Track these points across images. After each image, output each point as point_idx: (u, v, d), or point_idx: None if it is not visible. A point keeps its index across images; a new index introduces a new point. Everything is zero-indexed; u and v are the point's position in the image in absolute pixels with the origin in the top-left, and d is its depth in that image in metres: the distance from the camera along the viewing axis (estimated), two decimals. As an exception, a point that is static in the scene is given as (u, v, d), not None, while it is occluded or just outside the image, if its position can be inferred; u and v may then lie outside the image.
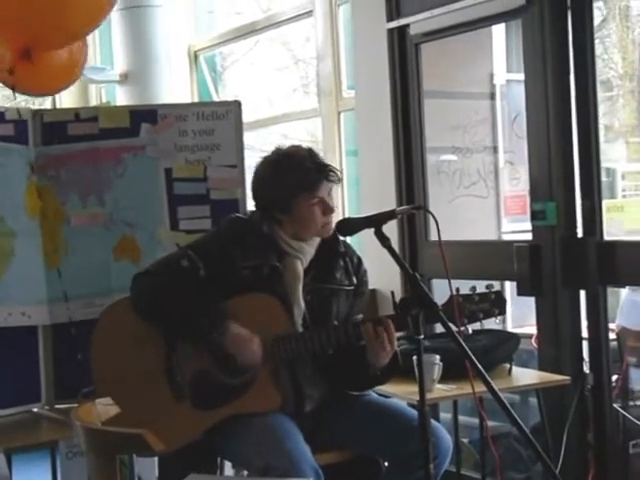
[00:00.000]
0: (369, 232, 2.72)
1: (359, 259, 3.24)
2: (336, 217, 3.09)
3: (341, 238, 3.19)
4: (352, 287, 3.19)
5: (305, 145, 3.17)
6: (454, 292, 2.88)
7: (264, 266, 3.05)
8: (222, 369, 3.02)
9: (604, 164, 4.48)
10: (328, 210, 3.05)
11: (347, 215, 5.65)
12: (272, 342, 2.98)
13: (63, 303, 3.79)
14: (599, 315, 4.16)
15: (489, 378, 2.44)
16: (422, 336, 2.65)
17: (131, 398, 3.00)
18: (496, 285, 3.16)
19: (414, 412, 3.05)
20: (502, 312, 3.01)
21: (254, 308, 3.01)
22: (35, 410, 3.77)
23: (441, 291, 2.90)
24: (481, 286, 3.00)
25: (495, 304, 2.97)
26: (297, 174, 3.04)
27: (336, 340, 2.98)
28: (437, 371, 3.59)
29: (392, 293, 2.92)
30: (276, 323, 3.00)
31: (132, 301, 3.08)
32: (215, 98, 7.28)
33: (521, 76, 4.48)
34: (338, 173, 3.09)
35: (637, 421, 4.36)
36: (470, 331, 2.98)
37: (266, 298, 3.02)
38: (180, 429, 2.95)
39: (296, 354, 3.01)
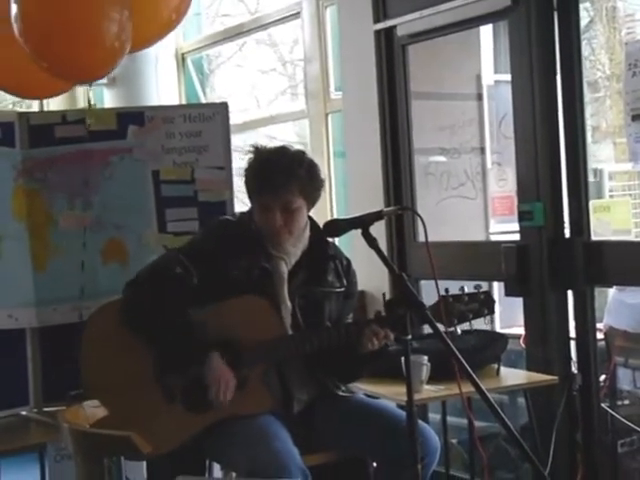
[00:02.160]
0: (358, 235, 2.72)
1: (348, 261, 3.26)
2: (323, 218, 3.09)
3: (330, 241, 3.20)
4: (343, 289, 3.20)
5: (291, 152, 3.11)
6: (444, 292, 2.89)
7: (254, 268, 3.05)
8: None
9: (591, 165, 4.48)
10: (270, 219, 3.03)
11: (334, 217, 5.64)
12: (265, 345, 2.98)
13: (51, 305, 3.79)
14: (587, 315, 4.17)
15: (477, 378, 2.44)
16: (410, 336, 2.65)
17: (121, 401, 2.99)
18: (484, 285, 3.18)
19: (402, 413, 3.07)
20: (491, 312, 3.02)
21: (245, 310, 3.02)
22: (23, 413, 3.77)
23: (430, 292, 2.90)
24: (469, 287, 3.01)
25: (484, 304, 2.99)
26: (248, 178, 3.11)
27: (327, 343, 2.99)
28: (425, 372, 3.59)
29: (383, 295, 2.93)
30: (267, 325, 3.01)
31: (123, 311, 3.06)
32: (203, 100, 7.27)
33: (509, 77, 4.48)
34: (289, 192, 3.01)
35: (625, 420, 4.36)
36: (459, 332, 2.99)
37: (257, 300, 3.02)
38: (171, 431, 2.95)
39: (288, 357, 3.01)
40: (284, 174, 3.00)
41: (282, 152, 3.11)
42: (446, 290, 2.91)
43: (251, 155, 3.12)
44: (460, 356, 2.46)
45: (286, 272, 3.09)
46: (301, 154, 3.12)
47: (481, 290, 2.99)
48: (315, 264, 3.16)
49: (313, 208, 3.16)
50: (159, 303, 3.01)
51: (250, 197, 3.13)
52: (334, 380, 3.19)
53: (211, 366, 2.94)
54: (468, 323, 3.00)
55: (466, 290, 2.96)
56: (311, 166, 3.09)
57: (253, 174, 3.09)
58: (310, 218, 3.16)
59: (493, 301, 3.00)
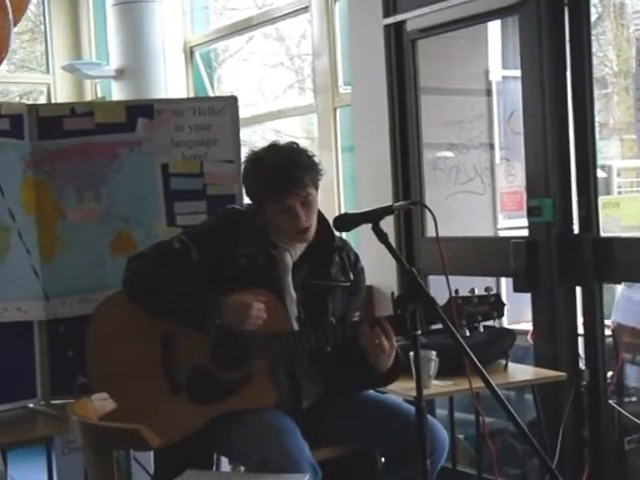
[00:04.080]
0: (367, 230, 2.71)
1: (356, 255, 3.23)
2: (332, 214, 3.08)
3: (336, 233, 3.18)
4: (348, 283, 3.16)
5: (288, 145, 3.09)
6: (453, 294, 2.87)
7: (260, 254, 3.04)
8: (219, 364, 3.01)
9: (599, 161, 4.47)
10: (294, 220, 3.00)
11: (343, 212, 5.64)
12: (269, 339, 2.97)
13: (59, 298, 3.78)
14: (595, 311, 4.17)
15: (486, 373, 2.44)
16: (420, 331, 2.65)
17: (127, 393, 2.98)
18: (492, 281, 3.17)
19: (410, 408, 3.06)
20: (500, 315, 2.99)
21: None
22: (30, 406, 3.76)
23: (438, 289, 2.90)
24: (477, 282, 3.00)
25: (494, 307, 2.95)
26: (262, 184, 3.04)
27: (333, 339, 2.97)
28: (433, 367, 3.58)
29: (392, 294, 2.91)
30: (274, 319, 3.00)
31: (125, 285, 3.06)
32: (211, 94, 7.28)
33: (517, 72, 4.48)
34: (307, 184, 2.98)
35: (632, 417, 4.36)
36: (468, 333, 2.97)
37: (264, 293, 3.01)
38: (177, 423, 2.95)
39: (293, 351, 3.00)
40: (296, 171, 2.97)
41: (282, 151, 3.05)
42: (456, 291, 2.89)
43: (251, 164, 3.08)
44: (470, 351, 2.46)
45: (290, 263, 3.08)
46: (295, 145, 3.09)
47: (491, 293, 2.97)
48: (320, 257, 3.14)
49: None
50: (160, 270, 3.01)
51: (262, 204, 3.05)
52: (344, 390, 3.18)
53: (228, 307, 2.91)
54: (477, 325, 2.98)
55: (476, 292, 2.95)
56: (309, 153, 3.07)
57: (264, 182, 3.02)
58: (317, 211, 3.14)
59: (503, 304, 2.97)
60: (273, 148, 3.09)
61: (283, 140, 3.16)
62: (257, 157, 3.08)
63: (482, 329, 2.98)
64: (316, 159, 3.08)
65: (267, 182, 3.01)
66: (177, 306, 2.98)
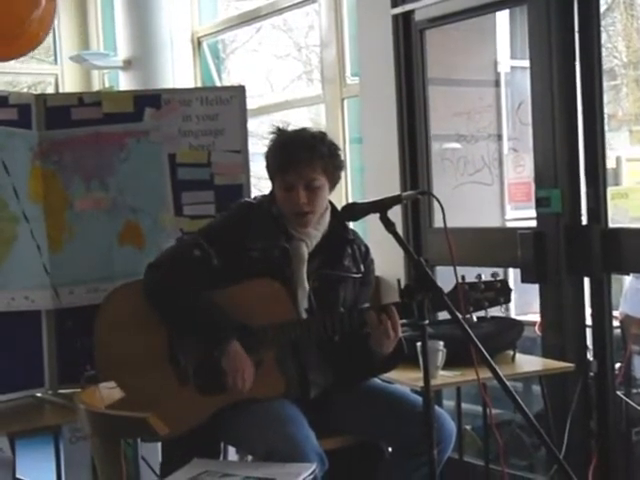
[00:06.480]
0: (374, 220, 2.71)
1: (366, 248, 3.24)
2: (339, 204, 3.08)
3: (350, 226, 3.19)
4: (359, 275, 3.18)
5: (315, 131, 3.14)
6: (460, 280, 2.87)
7: (274, 248, 3.05)
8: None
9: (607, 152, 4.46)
10: (294, 199, 3.02)
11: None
12: (277, 328, 2.97)
13: (67, 287, 3.79)
14: (603, 302, 4.16)
15: (494, 363, 2.43)
16: (427, 321, 2.64)
17: (135, 382, 3.00)
18: (500, 272, 3.17)
19: (417, 398, 3.07)
20: (507, 300, 3.00)
21: (259, 294, 3.01)
22: (38, 395, 3.77)
23: (445, 279, 2.89)
24: (485, 273, 3.00)
25: (501, 293, 2.97)
26: (270, 158, 3.11)
27: (340, 327, 2.97)
28: (441, 357, 3.58)
29: (398, 281, 2.91)
30: (280, 309, 3.00)
31: (145, 293, 3.06)
32: (218, 85, 7.26)
33: (525, 63, 4.46)
34: (314, 169, 3.01)
35: (640, 408, 4.36)
36: (475, 319, 2.97)
37: (271, 283, 3.01)
38: (185, 413, 2.95)
39: (301, 340, 3.00)
40: (307, 152, 3.01)
41: (304, 131, 3.13)
42: (462, 277, 2.89)
43: (273, 135, 3.13)
44: (477, 341, 2.46)
45: (306, 254, 3.08)
46: (322, 134, 3.13)
47: (498, 278, 2.97)
48: (333, 248, 3.15)
49: (333, 191, 3.15)
50: (178, 286, 3.01)
51: (272, 177, 3.12)
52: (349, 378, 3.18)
53: (230, 354, 2.93)
54: (484, 311, 2.98)
55: (483, 278, 2.95)
56: (333, 145, 3.10)
57: (276, 153, 3.09)
58: (331, 203, 3.16)
59: (510, 290, 2.98)
60: (301, 129, 3.17)
61: (316, 128, 3.21)
62: (278, 133, 3.13)
63: (490, 317, 2.98)
64: (338, 153, 3.12)
65: (279, 154, 3.07)
66: (186, 329, 3.01)
